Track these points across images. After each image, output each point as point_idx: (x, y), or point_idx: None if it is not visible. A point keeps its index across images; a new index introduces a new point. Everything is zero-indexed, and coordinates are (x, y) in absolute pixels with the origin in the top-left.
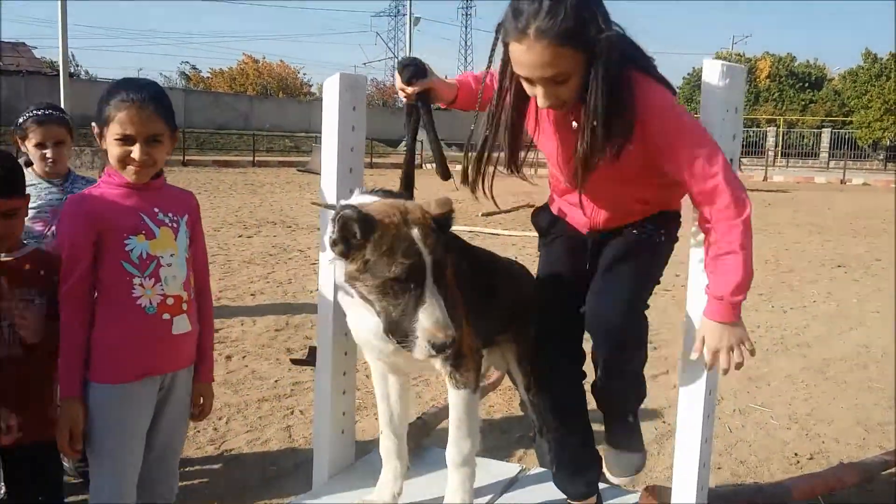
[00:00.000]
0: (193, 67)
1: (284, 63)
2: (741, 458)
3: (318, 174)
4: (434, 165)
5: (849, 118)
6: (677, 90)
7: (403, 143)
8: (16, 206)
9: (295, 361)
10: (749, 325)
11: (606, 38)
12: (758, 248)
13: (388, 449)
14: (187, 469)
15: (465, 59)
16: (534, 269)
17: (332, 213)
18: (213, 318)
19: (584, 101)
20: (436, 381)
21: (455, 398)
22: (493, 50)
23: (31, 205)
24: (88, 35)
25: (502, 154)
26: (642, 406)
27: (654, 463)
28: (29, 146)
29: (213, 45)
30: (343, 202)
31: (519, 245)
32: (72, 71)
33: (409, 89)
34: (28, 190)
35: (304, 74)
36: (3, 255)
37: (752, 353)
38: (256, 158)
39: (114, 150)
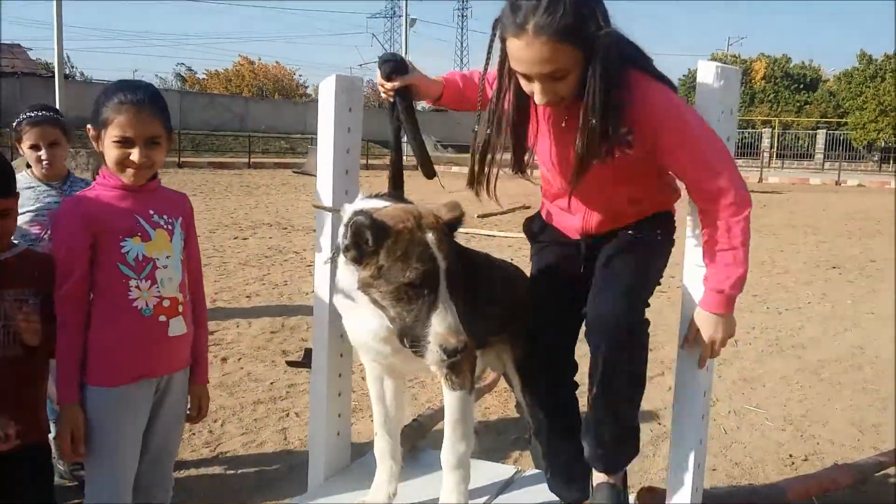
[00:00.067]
0: (189, 69)
1: (280, 64)
2: (736, 459)
3: (314, 176)
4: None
5: (844, 120)
6: None
7: None
8: (8, 206)
9: (290, 363)
10: (744, 327)
11: (605, 36)
12: (753, 249)
13: (383, 450)
14: (182, 471)
15: (461, 60)
16: (529, 271)
17: (328, 214)
18: (208, 320)
19: (581, 99)
20: (431, 384)
21: (451, 400)
22: (490, 46)
23: (29, 208)
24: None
25: (506, 155)
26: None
27: (650, 464)
28: (24, 148)
29: (209, 46)
30: (350, 207)
31: (515, 246)
32: (67, 72)
33: (389, 84)
34: (27, 193)
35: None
36: None
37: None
38: (252, 160)
39: (112, 152)
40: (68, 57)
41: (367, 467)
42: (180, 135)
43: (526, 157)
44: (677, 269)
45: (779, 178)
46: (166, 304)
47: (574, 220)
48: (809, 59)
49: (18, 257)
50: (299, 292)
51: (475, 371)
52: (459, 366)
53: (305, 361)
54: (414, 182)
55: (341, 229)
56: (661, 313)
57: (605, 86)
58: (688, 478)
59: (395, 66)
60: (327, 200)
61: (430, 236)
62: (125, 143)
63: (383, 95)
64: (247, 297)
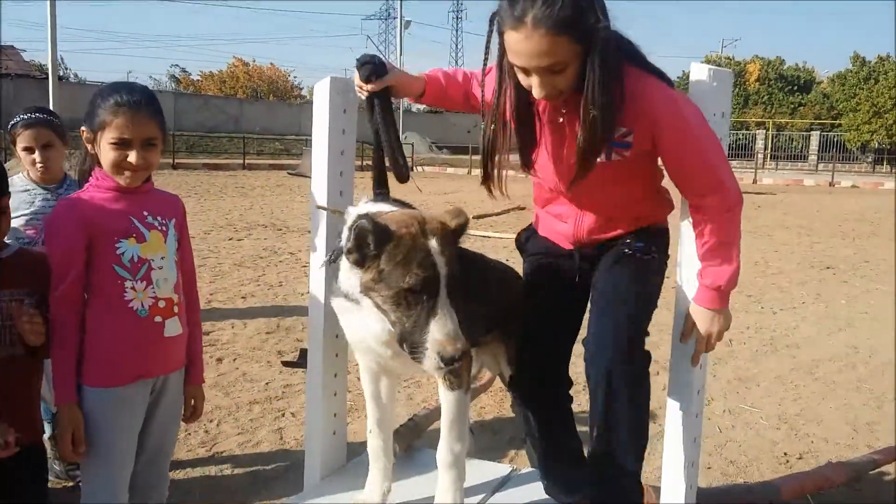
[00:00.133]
0: (183, 70)
1: (275, 66)
2: (731, 458)
3: (309, 177)
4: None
5: (837, 121)
6: None
7: None
8: (3, 204)
9: (286, 364)
10: (739, 327)
11: (604, 29)
12: (747, 249)
13: (377, 448)
14: (179, 471)
15: (456, 62)
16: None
17: (324, 215)
18: (203, 321)
19: (579, 93)
20: (427, 383)
21: (447, 399)
22: (488, 41)
23: (23, 211)
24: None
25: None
26: None
27: (645, 464)
28: (19, 150)
29: (203, 47)
30: (354, 210)
31: (510, 248)
32: (61, 74)
33: (368, 87)
34: (22, 196)
35: (295, 77)
36: None
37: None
38: (246, 161)
39: (109, 154)
40: (62, 58)
41: (363, 466)
42: (175, 136)
43: (533, 154)
44: (671, 267)
45: (773, 179)
46: (162, 304)
47: (565, 227)
48: (803, 60)
49: (12, 257)
50: (294, 293)
51: (471, 370)
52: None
53: (301, 362)
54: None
55: (344, 232)
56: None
57: (605, 78)
58: (682, 476)
59: (373, 68)
60: (322, 202)
61: (432, 242)
62: (122, 144)
63: (361, 96)
64: (242, 297)
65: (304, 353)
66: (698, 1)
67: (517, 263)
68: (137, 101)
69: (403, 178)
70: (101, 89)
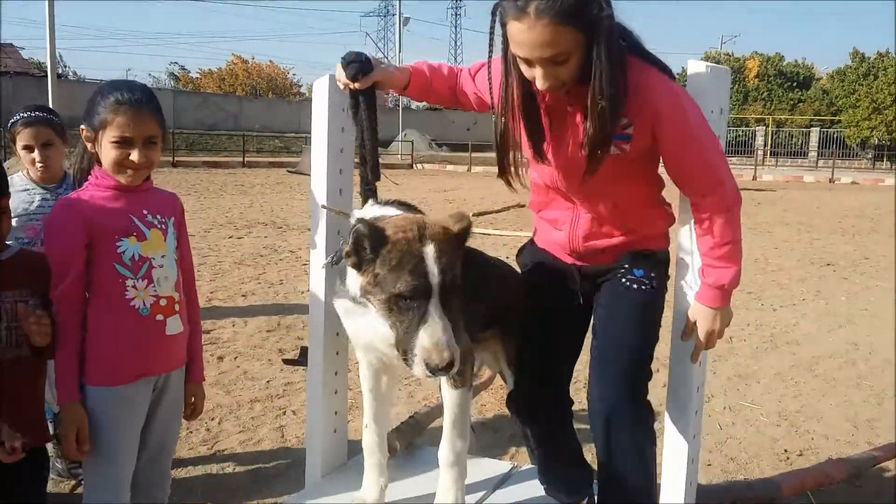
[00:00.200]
0: (182, 68)
1: (274, 63)
2: (731, 454)
3: (308, 175)
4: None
5: (837, 117)
6: None
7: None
8: (3, 205)
9: (287, 361)
10: (739, 323)
11: (608, 17)
12: (747, 246)
13: (372, 444)
14: (180, 470)
15: (455, 58)
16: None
17: (324, 213)
18: (204, 319)
19: (581, 84)
20: (427, 381)
21: (451, 397)
22: (491, 33)
23: (22, 210)
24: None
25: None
26: None
27: None
28: (18, 148)
29: (202, 45)
30: (359, 212)
31: (510, 245)
32: (60, 72)
33: (356, 85)
34: (21, 195)
35: (294, 75)
36: None
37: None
38: (246, 159)
39: (111, 153)
40: (61, 56)
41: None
42: (174, 134)
43: (545, 146)
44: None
45: (773, 175)
46: (163, 303)
47: (560, 234)
48: (803, 57)
49: (14, 258)
50: (295, 291)
51: (474, 368)
52: (462, 364)
53: (302, 359)
54: (412, 181)
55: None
56: None
57: (612, 67)
58: (682, 472)
59: (360, 67)
60: (322, 199)
61: (428, 248)
62: (124, 143)
63: (342, 87)
64: (242, 296)
65: (304, 350)
66: (699, 1)
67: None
68: (139, 99)
69: (377, 177)
70: (100, 88)
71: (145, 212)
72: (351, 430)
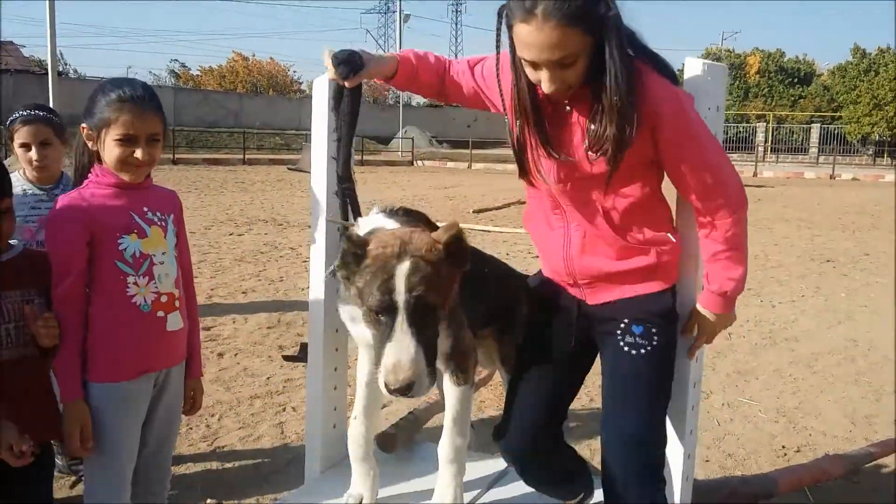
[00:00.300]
0: (183, 65)
1: (274, 60)
2: (729, 450)
3: (308, 172)
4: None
5: (838, 113)
6: None
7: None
8: (5, 205)
9: (287, 358)
10: (738, 320)
11: (615, 17)
12: (747, 243)
13: (360, 434)
14: (181, 466)
15: (455, 55)
16: (523, 266)
17: (325, 210)
18: (204, 316)
19: (586, 87)
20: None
21: (454, 394)
22: (498, 35)
23: (17, 212)
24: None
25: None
26: None
27: None
28: (16, 147)
29: (203, 42)
30: (363, 221)
31: (510, 242)
32: (60, 69)
33: (348, 83)
34: (16, 197)
35: (294, 72)
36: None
37: None
38: (247, 156)
39: (115, 150)
40: (62, 54)
41: None
42: (175, 131)
43: (550, 149)
44: None
45: (773, 172)
46: (164, 299)
47: (556, 256)
48: (803, 53)
49: (18, 258)
50: (295, 288)
51: (476, 366)
52: (465, 361)
53: (301, 356)
54: (412, 179)
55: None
56: None
57: (625, 64)
58: (678, 468)
59: (353, 66)
60: (321, 196)
61: (402, 265)
62: (128, 141)
63: (330, 78)
64: (243, 293)
65: (304, 347)
66: (698, 0)
67: (516, 258)
68: (141, 96)
69: (339, 179)
70: (101, 86)
71: (146, 209)
72: None
